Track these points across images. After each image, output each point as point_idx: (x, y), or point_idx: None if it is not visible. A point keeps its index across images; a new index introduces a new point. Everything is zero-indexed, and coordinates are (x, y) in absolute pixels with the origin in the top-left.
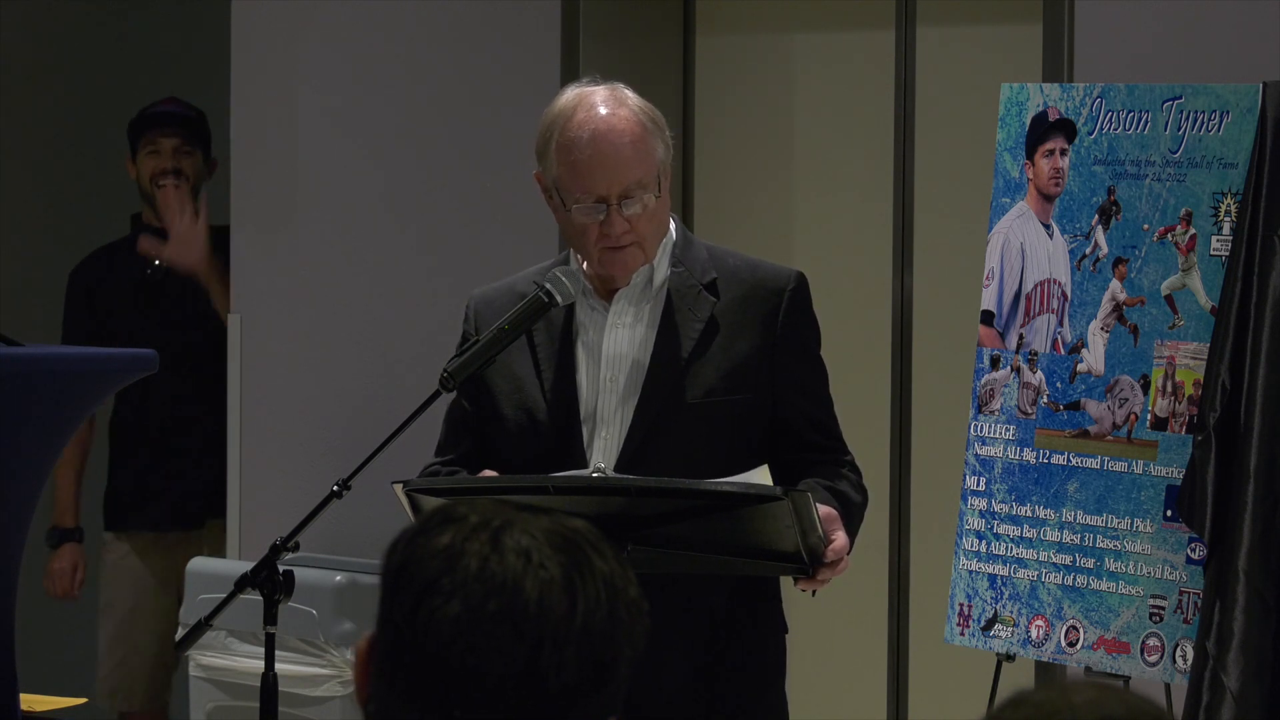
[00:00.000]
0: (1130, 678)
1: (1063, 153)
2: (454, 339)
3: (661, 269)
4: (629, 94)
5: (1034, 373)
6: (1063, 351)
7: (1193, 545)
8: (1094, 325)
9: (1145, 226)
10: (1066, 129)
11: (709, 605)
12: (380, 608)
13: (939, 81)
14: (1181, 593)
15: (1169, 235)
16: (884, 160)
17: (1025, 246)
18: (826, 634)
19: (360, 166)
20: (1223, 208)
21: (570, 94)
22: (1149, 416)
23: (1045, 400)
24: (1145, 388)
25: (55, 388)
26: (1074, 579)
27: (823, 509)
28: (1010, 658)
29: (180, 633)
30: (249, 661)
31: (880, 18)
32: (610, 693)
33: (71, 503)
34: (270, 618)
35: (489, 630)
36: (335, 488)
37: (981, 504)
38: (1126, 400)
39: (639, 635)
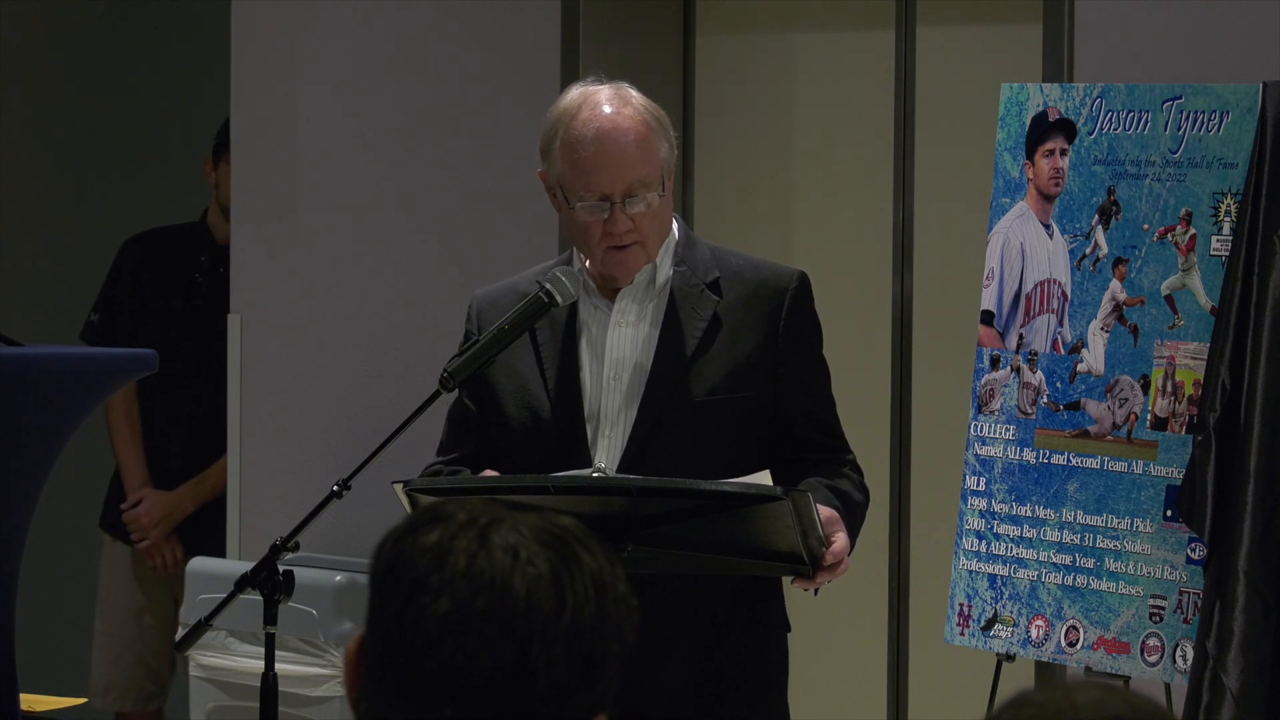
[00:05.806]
0: (1130, 678)
1: (1063, 153)
2: (455, 339)
3: (664, 268)
4: (633, 93)
5: (1034, 373)
6: (1063, 351)
7: (1193, 545)
8: (1094, 325)
9: (1145, 226)
10: (1066, 129)
11: (710, 605)
12: (369, 607)
13: (939, 81)
14: (1181, 593)
15: (1169, 235)
16: (884, 160)
17: (1025, 246)
18: (826, 634)
19: (361, 166)
20: (1223, 208)
21: (574, 93)
22: (1149, 416)
23: (1045, 400)
24: (1145, 388)
25: (55, 388)
26: (1074, 579)
27: (824, 510)
28: (1010, 658)
29: (180, 633)
30: (249, 661)
31: (880, 18)
32: (600, 689)
33: (138, 470)
34: (270, 618)
35: (478, 628)
36: (335, 488)
37: (981, 504)
38: (1126, 400)
39: (628, 631)
